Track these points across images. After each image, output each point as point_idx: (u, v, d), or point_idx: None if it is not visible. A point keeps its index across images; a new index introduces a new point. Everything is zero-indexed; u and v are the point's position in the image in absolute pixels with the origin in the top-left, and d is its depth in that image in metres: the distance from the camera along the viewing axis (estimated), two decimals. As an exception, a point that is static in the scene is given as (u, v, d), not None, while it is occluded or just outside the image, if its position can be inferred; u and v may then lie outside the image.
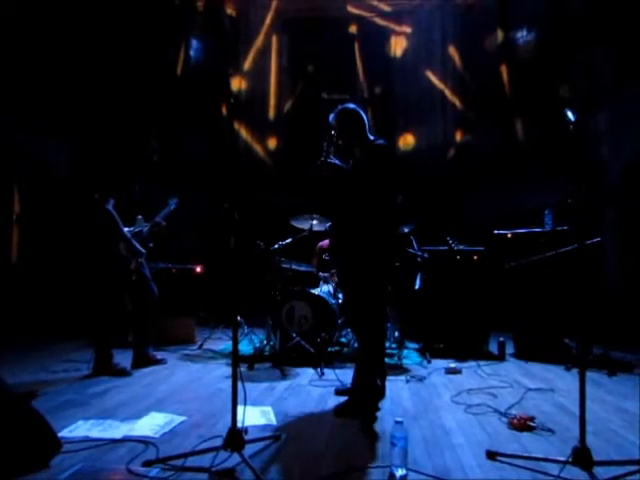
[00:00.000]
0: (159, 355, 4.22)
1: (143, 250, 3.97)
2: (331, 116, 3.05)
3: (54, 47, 5.39)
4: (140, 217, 4.12)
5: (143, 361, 4.02)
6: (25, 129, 5.48)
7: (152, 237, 4.14)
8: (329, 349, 4.42)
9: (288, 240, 4.60)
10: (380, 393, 2.98)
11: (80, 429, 2.50)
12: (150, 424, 2.58)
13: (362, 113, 3.06)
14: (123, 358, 3.92)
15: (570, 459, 2.09)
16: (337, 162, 2.95)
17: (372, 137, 3.03)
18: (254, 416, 2.72)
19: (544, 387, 3.46)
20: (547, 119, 5.47)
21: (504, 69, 6.21)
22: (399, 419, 2.04)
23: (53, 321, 5.29)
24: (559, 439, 2.47)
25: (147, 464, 2.06)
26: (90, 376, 3.66)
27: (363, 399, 2.85)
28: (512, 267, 4.61)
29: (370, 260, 2.85)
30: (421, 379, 3.68)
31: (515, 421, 2.63)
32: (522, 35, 6.17)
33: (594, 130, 5.40)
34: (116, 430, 2.49)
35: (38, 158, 5.71)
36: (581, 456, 2.09)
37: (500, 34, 6.21)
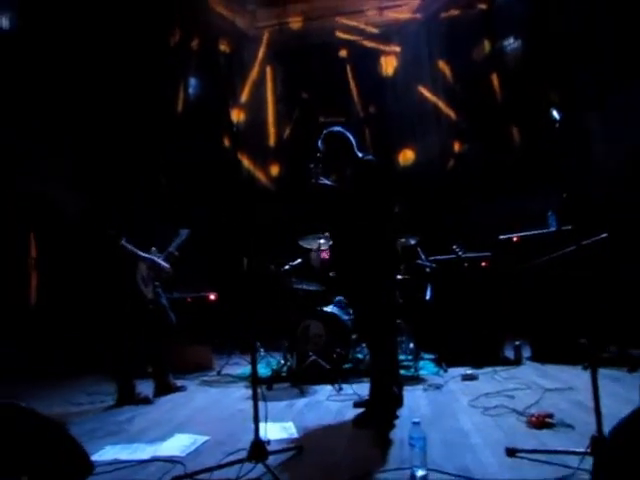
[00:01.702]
0: (179, 382, 4.30)
1: (169, 266, 4.11)
2: (319, 141, 3.19)
3: (66, 100, 5.65)
4: (154, 249, 4.25)
5: (164, 389, 4.10)
6: (40, 179, 5.73)
7: (168, 267, 4.27)
8: (345, 365, 4.46)
9: (298, 261, 4.71)
10: (398, 401, 3.03)
11: (109, 453, 2.59)
12: (175, 445, 2.66)
13: (348, 134, 3.19)
14: (144, 388, 4.00)
15: (589, 449, 2.11)
16: (327, 182, 3.09)
17: (361, 154, 3.17)
18: (275, 431, 2.78)
19: (562, 387, 3.46)
20: (539, 123, 5.59)
21: (494, 78, 6.37)
22: (416, 420, 2.09)
23: (74, 357, 5.40)
24: (578, 434, 2.46)
25: (176, 479, 2.13)
26: (114, 406, 3.76)
27: (381, 408, 2.90)
28: (522, 270, 4.65)
29: (369, 273, 2.95)
30: (438, 387, 3.71)
31: (533, 419, 2.64)
32: (509, 43, 6.33)
33: (586, 129, 5.49)
34: (143, 452, 2.57)
35: (52, 206, 5.95)
36: (599, 446, 2.11)
37: (487, 44, 6.39)
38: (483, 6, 6.25)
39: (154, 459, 2.47)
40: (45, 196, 5.89)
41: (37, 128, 5.63)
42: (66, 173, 5.85)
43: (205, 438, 2.77)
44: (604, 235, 4.10)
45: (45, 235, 6.18)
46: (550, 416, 2.64)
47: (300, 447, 2.49)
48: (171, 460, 2.43)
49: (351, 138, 3.19)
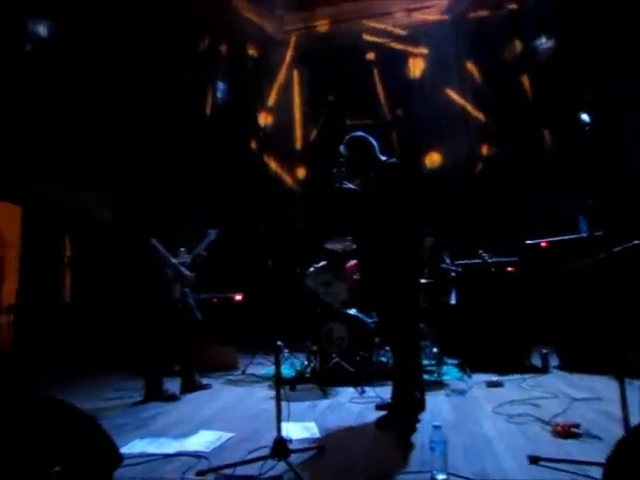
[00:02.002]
0: (204, 381, 4.39)
1: (190, 274, 4.21)
2: (341, 146, 3.24)
3: (100, 109, 5.84)
4: (183, 249, 4.36)
5: (190, 386, 4.19)
6: (74, 185, 5.96)
7: (195, 267, 4.37)
8: (368, 368, 4.47)
9: (322, 263, 4.74)
10: (420, 406, 3.03)
11: (137, 446, 2.69)
12: (201, 440, 2.73)
13: (370, 138, 3.23)
14: (171, 385, 4.10)
15: (614, 461, 2.07)
16: (351, 186, 3.13)
17: (384, 158, 3.19)
18: (298, 431, 2.82)
19: (590, 397, 3.38)
20: (571, 125, 5.46)
21: (525, 79, 6.26)
22: (437, 423, 2.10)
23: (105, 354, 5.58)
24: (605, 445, 2.39)
25: (200, 474, 2.21)
26: (142, 402, 3.87)
27: (403, 411, 2.91)
28: (550, 276, 4.55)
29: (392, 276, 2.97)
30: (461, 392, 3.68)
31: (559, 428, 2.60)
32: (541, 43, 6.21)
33: (622, 131, 5.33)
34: (169, 446, 2.66)
35: (86, 209, 6.17)
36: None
37: (518, 44, 6.29)
38: (514, 6, 6.16)
39: (179, 454, 2.54)
40: (79, 199, 6.12)
41: (63, 131, 5.82)
42: (99, 179, 6.06)
43: (229, 435, 2.84)
44: (637, 242, 3.98)
45: (79, 235, 6.41)
46: (576, 426, 2.59)
47: (322, 447, 2.52)
48: (196, 455, 2.50)
49: (373, 142, 3.22)
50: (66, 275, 6.52)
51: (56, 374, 4.97)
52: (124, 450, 2.55)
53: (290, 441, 2.30)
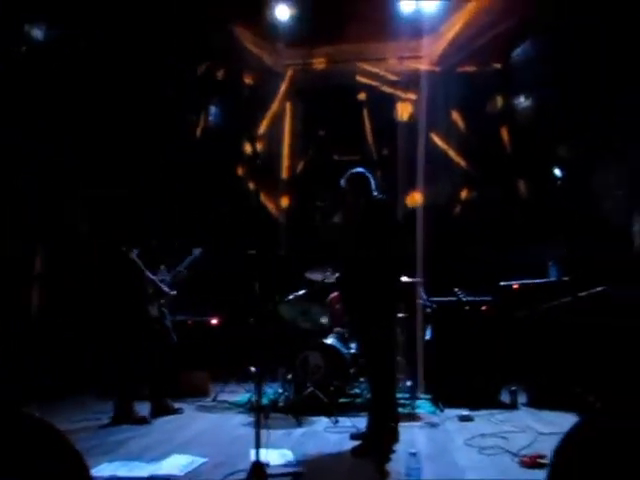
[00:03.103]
0: (175, 405, 4.30)
1: (171, 291, 4.18)
2: (342, 180, 3.44)
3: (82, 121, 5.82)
4: (163, 267, 4.35)
5: (161, 410, 4.10)
6: (50, 194, 5.84)
7: (174, 286, 4.35)
8: (342, 399, 4.48)
9: (301, 292, 4.80)
10: (394, 435, 3.07)
11: (107, 470, 2.62)
12: (174, 464, 2.70)
13: (368, 175, 3.45)
14: (141, 409, 3.99)
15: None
16: (335, 220, 3.30)
17: (376, 194, 3.39)
18: (274, 457, 2.80)
19: (556, 431, 3.48)
20: (546, 178, 5.80)
21: (504, 131, 6.64)
22: (413, 451, 2.16)
23: (73, 374, 5.39)
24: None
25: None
26: (111, 425, 3.76)
27: (378, 440, 2.95)
28: (520, 317, 4.73)
29: (372, 307, 3.09)
30: (434, 425, 3.74)
31: (526, 459, 2.75)
32: (520, 102, 6.64)
33: (597, 186, 5.64)
34: (142, 470, 2.61)
35: (62, 221, 6.03)
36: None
37: (500, 100, 6.69)
38: (498, 65, 6.60)
39: (152, 477, 2.50)
40: (56, 206, 5.96)
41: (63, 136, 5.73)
42: (77, 187, 5.93)
43: (204, 460, 2.81)
44: (601, 288, 4.20)
45: (53, 247, 6.22)
46: (542, 457, 2.71)
47: (300, 473, 2.53)
48: (170, 479, 2.46)
49: (371, 179, 3.43)
50: (35, 290, 6.31)
51: (19, 395, 4.78)
52: (93, 472, 2.47)
53: (268, 465, 2.30)
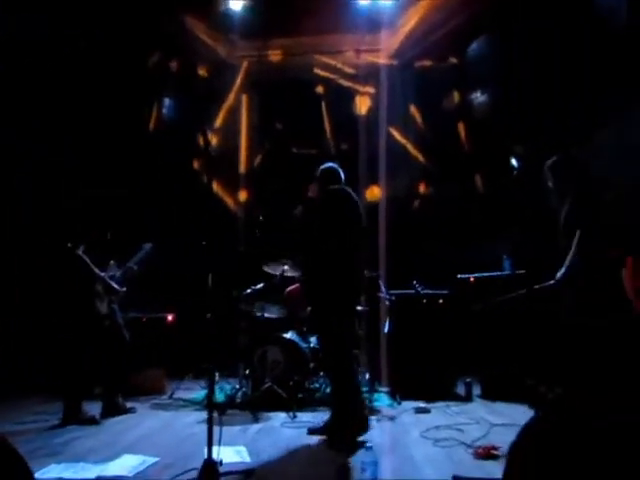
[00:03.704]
0: (128, 404, 4.16)
1: (121, 288, 4.04)
2: (316, 175, 3.55)
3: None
4: (112, 262, 4.18)
5: (113, 410, 3.96)
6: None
7: (125, 282, 4.20)
8: (301, 394, 4.45)
9: (260, 286, 4.73)
10: (363, 425, 3.08)
11: (52, 472, 2.50)
12: (123, 465, 2.59)
13: (337, 170, 3.55)
14: (91, 409, 3.85)
15: None
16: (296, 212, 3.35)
17: (336, 186, 3.41)
18: (228, 455, 2.74)
19: (508, 422, 3.58)
20: (502, 172, 5.94)
21: (461, 127, 6.74)
22: (369, 444, 2.14)
23: (20, 374, 5.13)
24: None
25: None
26: (59, 426, 3.60)
27: (340, 432, 2.94)
28: (478, 309, 4.83)
29: (331, 300, 3.09)
30: (391, 418, 3.76)
31: (480, 451, 2.77)
32: (476, 97, 6.75)
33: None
34: (89, 471, 2.50)
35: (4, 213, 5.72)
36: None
37: (456, 95, 6.79)
38: (454, 60, 6.68)
39: (100, 479, 2.39)
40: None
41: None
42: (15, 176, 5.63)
43: (154, 460, 2.71)
44: (553, 282, 4.34)
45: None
46: (496, 448, 2.76)
47: (252, 471, 2.48)
48: (118, 480, 2.36)
49: (340, 174, 3.53)
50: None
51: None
52: (37, 476, 2.35)
53: (220, 463, 2.23)
